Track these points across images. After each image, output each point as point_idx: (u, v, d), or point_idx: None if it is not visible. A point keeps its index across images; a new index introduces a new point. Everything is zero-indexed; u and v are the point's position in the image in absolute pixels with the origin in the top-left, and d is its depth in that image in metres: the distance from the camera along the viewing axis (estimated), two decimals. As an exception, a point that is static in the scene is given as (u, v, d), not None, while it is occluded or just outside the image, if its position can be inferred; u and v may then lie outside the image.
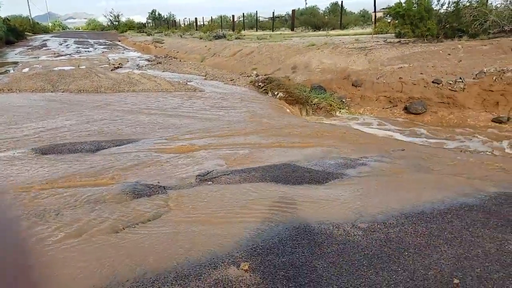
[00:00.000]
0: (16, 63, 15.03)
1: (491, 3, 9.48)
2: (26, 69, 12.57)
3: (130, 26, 47.56)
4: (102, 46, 25.12)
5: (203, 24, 34.37)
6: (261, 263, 2.20)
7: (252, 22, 30.53)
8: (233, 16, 29.75)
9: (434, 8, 9.69)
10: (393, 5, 9.99)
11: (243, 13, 31.71)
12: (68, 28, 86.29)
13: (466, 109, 6.56)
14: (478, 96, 6.55)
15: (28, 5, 58.80)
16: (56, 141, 4.82)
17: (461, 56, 7.40)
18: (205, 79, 10.81)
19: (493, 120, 6.27)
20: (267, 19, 30.21)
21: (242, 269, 2.14)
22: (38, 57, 17.24)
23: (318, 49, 10.20)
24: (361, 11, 31.50)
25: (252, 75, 10.38)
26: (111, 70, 12.26)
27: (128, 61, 15.48)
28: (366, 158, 4.19)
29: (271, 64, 10.74)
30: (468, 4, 9.08)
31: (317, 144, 4.81)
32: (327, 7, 28.10)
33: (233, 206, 2.94)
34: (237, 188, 3.31)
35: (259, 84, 9.04)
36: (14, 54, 19.65)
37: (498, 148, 5.26)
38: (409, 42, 9.52)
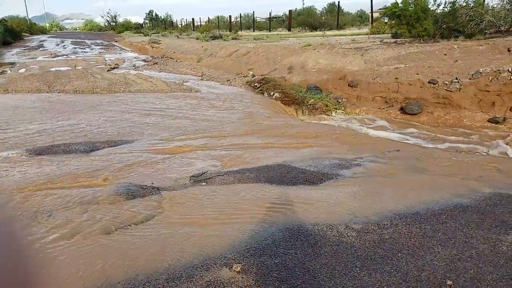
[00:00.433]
0: (12, 63, 14.96)
1: (488, 4, 9.51)
2: (23, 70, 12.51)
3: (127, 26, 47.52)
4: (99, 47, 25.05)
5: (200, 25, 34.35)
6: (253, 265, 2.19)
7: (249, 23, 30.53)
8: (230, 16, 29.74)
9: (431, 8, 9.70)
10: (390, 5, 10.00)
11: (240, 14, 31.74)
12: (66, 28, 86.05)
13: (462, 110, 6.57)
14: (474, 97, 6.56)
15: (25, 5, 58.67)
16: (51, 142, 4.79)
17: (457, 56, 7.40)
18: (202, 79, 10.79)
19: (489, 121, 6.27)
20: (264, 20, 30.22)
21: (235, 270, 2.13)
22: (35, 58, 17.17)
23: (315, 49, 10.20)
24: (358, 11, 31.56)
25: (248, 75, 10.37)
26: (108, 70, 12.22)
27: (124, 62, 15.44)
28: (361, 159, 4.19)
29: (267, 65, 10.73)
30: (464, 4, 9.10)
31: (312, 145, 4.80)
32: (324, 7, 28.13)
33: (226, 207, 2.92)
34: (231, 189, 3.29)
35: (255, 84, 9.03)
36: (11, 54, 19.56)
37: (493, 148, 5.26)
38: (405, 42, 9.53)
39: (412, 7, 9.37)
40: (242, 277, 2.08)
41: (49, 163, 3.99)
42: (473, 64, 6.95)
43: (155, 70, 12.66)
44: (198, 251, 2.31)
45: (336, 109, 7.72)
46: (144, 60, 15.97)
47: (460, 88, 6.64)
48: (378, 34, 13.57)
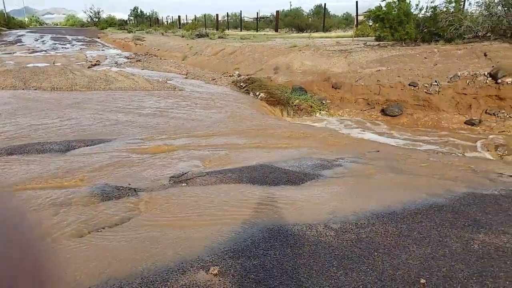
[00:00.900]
0: (-12, 59, 14.49)
1: (467, 9, 9.77)
2: (-1, 65, 12.14)
3: (111, 23, 46.78)
4: (80, 43, 24.54)
5: (187, 23, 34.08)
6: (231, 267, 2.18)
7: (236, 22, 30.50)
8: (217, 15, 29.65)
9: (413, 13, 9.90)
10: (374, 8, 10.16)
11: (227, 13, 31.67)
12: (46, 23, 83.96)
13: (441, 112, 6.72)
14: (452, 99, 6.72)
15: (3, -2, 56.92)
16: (24, 141, 4.66)
17: (437, 60, 7.58)
18: (186, 78, 10.70)
19: (466, 123, 6.44)
20: (252, 20, 30.23)
21: (211, 273, 2.11)
22: (12, 53, 16.69)
23: (300, 50, 10.27)
24: (344, 14, 31.91)
25: (234, 75, 10.35)
26: (88, 67, 11.99)
27: (106, 59, 15.18)
28: (342, 159, 4.23)
29: (253, 64, 10.74)
30: (445, 9, 9.32)
31: (296, 145, 4.83)
32: (311, 9, 28.31)
33: (206, 208, 2.91)
34: (212, 190, 3.28)
35: (241, 84, 9.02)
36: (-13, 49, 18.94)
37: (469, 149, 5.41)
38: (388, 45, 9.69)
39: (395, 11, 9.55)
40: (219, 280, 2.07)
41: (21, 163, 3.87)
42: (452, 68, 7.12)
43: (137, 68, 12.49)
44: (175, 254, 2.28)
45: (320, 110, 7.79)
46: (127, 57, 15.74)
47: (439, 91, 6.79)
48: (363, 37, 13.76)
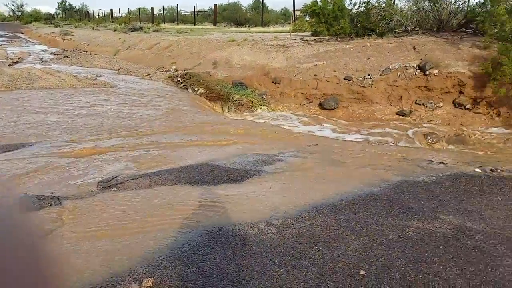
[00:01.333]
0: None
1: (397, 5, 10.33)
2: None
3: (36, 17, 43.14)
4: (0, 38, 22.19)
5: (120, 17, 32.34)
6: (167, 277, 2.02)
7: (173, 16, 29.62)
8: (152, 8, 28.58)
9: (347, 8, 10.23)
10: (310, 3, 10.34)
11: (163, 6, 30.64)
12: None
13: (374, 104, 7.05)
14: (384, 91, 7.08)
15: None
16: None
17: (370, 54, 7.93)
18: (118, 73, 10.11)
19: (398, 113, 6.82)
20: (189, 13, 29.54)
21: (145, 286, 1.93)
22: None
23: (239, 45, 10.17)
24: (282, 9, 32.44)
25: (171, 69, 9.97)
26: (9, 65, 10.84)
27: (30, 55, 13.86)
28: (283, 154, 4.22)
29: (191, 59, 10.43)
30: (376, 4, 9.76)
31: (237, 142, 4.73)
32: (250, 3, 28.37)
33: (139, 214, 2.69)
34: (146, 194, 3.06)
35: (178, 79, 8.70)
36: None
37: (401, 139, 5.72)
38: (324, 40, 9.95)
39: (330, 6, 9.81)
40: (153, 292, 1.90)
41: None
42: (384, 61, 7.49)
43: (65, 64, 11.53)
44: (103, 268, 2.06)
45: (261, 105, 7.77)
46: (53, 53, 14.51)
47: (372, 84, 7.11)
48: (300, 32, 14.03)
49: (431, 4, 9.03)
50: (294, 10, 18.12)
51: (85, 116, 5.57)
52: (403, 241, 2.38)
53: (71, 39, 19.89)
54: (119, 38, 15.89)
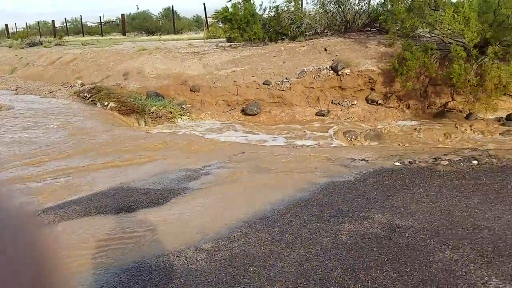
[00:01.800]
0: None
1: (305, 8, 10.76)
2: None
3: None
4: None
5: (17, 32, 28.91)
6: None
7: (77, 28, 27.38)
8: (53, 21, 26.06)
9: (258, 13, 10.36)
10: (221, 9, 10.25)
11: (65, 18, 28.19)
12: None
13: (294, 106, 7.17)
14: (302, 94, 7.24)
15: None
16: None
17: (285, 58, 8.07)
18: (16, 93, 8.94)
19: (317, 114, 7.02)
20: (96, 24, 27.60)
21: None
22: None
23: (150, 53, 9.66)
24: (194, 16, 32.06)
25: (77, 84, 9.07)
26: None
27: None
28: (209, 167, 3.99)
29: (98, 72, 9.61)
30: (286, 9, 10.03)
31: (157, 158, 4.36)
32: (160, 12, 27.49)
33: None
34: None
35: (85, 94, 7.91)
36: None
37: (323, 139, 5.86)
38: (239, 46, 9.93)
39: (241, 12, 9.83)
40: None
41: None
42: (299, 64, 7.68)
43: None
44: None
45: (181, 115, 7.41)
46: None
47: (290, 87, 7.23)
48: (214, 38, 13.89)
49: (337, 6, 9.57)
50: (206, 17, 17.96)
51: (-32, 146, 4.68)
52: (337, 248, 2.31)
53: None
54: (16, 55, 14.23)
